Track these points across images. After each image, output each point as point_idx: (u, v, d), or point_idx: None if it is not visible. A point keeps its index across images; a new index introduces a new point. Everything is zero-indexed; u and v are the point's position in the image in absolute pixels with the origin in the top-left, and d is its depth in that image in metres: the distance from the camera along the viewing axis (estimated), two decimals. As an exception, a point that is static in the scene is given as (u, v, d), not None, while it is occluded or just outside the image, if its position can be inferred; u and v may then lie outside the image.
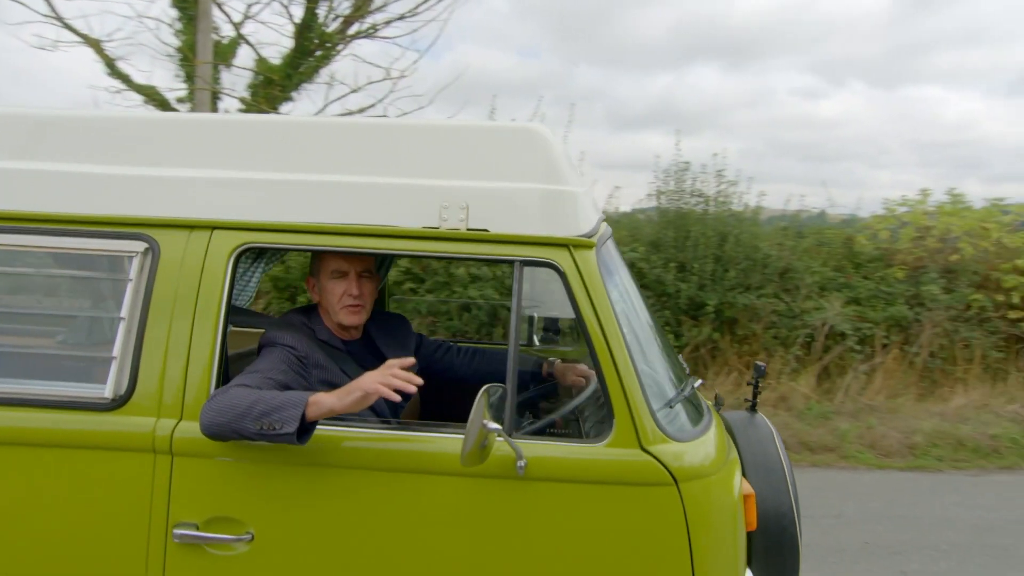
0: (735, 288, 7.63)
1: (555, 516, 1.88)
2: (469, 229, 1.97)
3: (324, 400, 1.77)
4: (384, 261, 2.82)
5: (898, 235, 8.36)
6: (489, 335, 7.37)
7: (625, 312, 2.04)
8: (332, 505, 1.91)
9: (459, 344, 2.73)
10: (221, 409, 1.78)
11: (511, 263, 1.97)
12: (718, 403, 2.36)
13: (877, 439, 6.42)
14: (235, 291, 2.06)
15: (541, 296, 2.68)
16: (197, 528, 1.91)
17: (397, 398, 1.77)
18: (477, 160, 2.02)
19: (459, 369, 2.63)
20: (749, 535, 2.11)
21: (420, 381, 1.79)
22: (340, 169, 2.04)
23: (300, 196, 2.02)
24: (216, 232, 2.03)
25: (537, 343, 3.27)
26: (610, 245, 2.21)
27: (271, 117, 2.21)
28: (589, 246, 1.97)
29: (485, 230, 1.97)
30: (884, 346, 7.58)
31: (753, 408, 2.59)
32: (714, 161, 8.13)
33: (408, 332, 2.50)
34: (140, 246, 2.02)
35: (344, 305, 2.18)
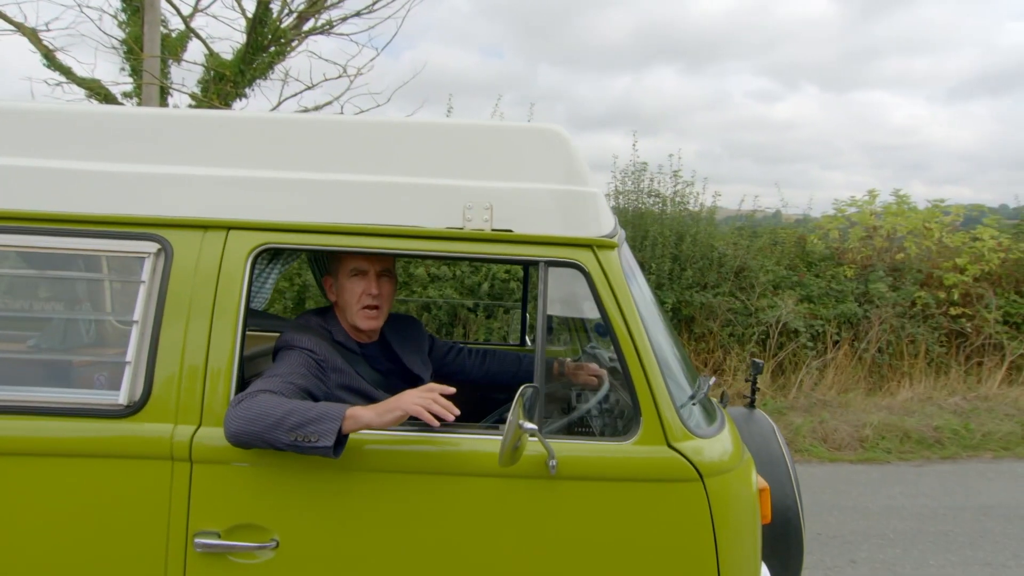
0: (692, 287, 7.78)
1: (584, 514, 1.89)
2: (494, 230, 1.96)
3: (362, 415, 1.75)
4: None
5: (847, 235, 8.67)
6: (449, 335, 7.34)
7: (645, 311, 2.06)
8: (359, 509, 1.88)
9: (468, 346, 2.72)
10: (250, 417, 1.73)
11: (536, 264, 1.97)
12: (723, 400, 2.41)
13: (829, 433, 6.63)
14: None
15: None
16: (219, 536, 1.86)
17: (436, 423, 1.76)
18: (499, 160, 2.01)
19: (471, 371, 2.62)
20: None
21: (458, 412, 1.78)
22: (360, 168, 2.01)
23: (320, 196, 1.98)
24: (232, 232, 1.97)
25: (529, 343, 3.28)
26: (626, 246, 2.23)
27: (289, 115, 2.15)
28: (612, 246, 1.99)
29: (509, 230, 1.96)
30: (835, 343, 7.84)
31: (752, 404, 2.65)
32: (671, 162, 8.30)
33: (421, 335, 2.47)
34: (152, 247, 1.95)
35: (363, 305, 2.15)
